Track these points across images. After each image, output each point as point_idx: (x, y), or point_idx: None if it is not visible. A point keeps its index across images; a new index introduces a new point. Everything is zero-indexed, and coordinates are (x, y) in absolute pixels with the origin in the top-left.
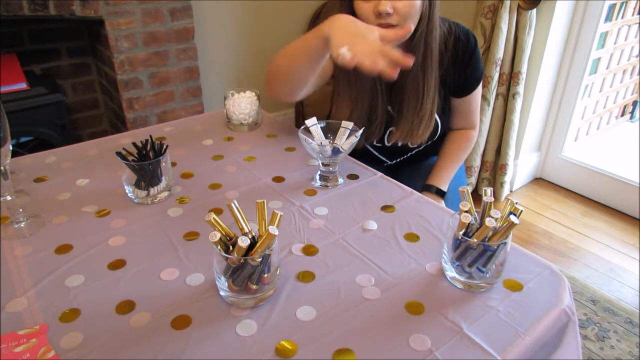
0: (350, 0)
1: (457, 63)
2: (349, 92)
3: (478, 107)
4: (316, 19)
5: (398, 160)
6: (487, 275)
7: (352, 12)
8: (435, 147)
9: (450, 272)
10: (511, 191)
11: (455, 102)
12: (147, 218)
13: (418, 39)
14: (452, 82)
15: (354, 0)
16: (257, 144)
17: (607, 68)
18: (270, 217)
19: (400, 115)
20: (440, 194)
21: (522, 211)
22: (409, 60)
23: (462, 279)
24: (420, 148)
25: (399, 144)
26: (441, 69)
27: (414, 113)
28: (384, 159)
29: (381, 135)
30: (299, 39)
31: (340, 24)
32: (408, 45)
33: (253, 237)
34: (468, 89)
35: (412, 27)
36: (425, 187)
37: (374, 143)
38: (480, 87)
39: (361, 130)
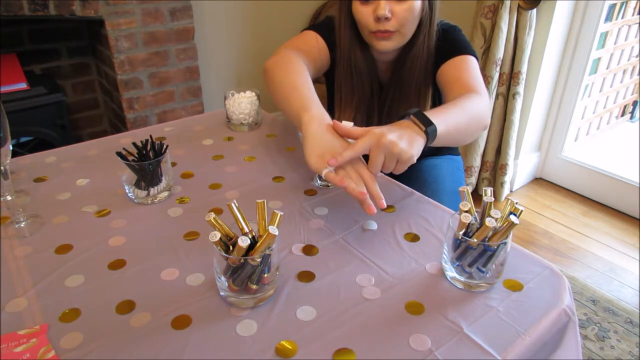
0: (349, 4)
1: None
2: (351, 97)
3: (473, 75)
4: (316, 19)
5: None
6: (487, 275)
7: (351, 16)
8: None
9: (451, 272)
10: (511, 191)
11: (442, 77)
12: (147, 218)
13: (420, 44)
14: (433, 64)
15: (353, 3)
16: (257, 144)
17: (607, 68)
18: (270, 217)
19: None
20: (425, 121)
21: (522, 211)
22: (382, 204)
23: (462, 279)
24: None
25: None
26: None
27: None
28: None
29: None
30: (290, 88)
31: (312, 137)
32: (409, 50)
33: (253, 237)
34: (447, 54)
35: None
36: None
37: None
38: (469, 60)
39: None
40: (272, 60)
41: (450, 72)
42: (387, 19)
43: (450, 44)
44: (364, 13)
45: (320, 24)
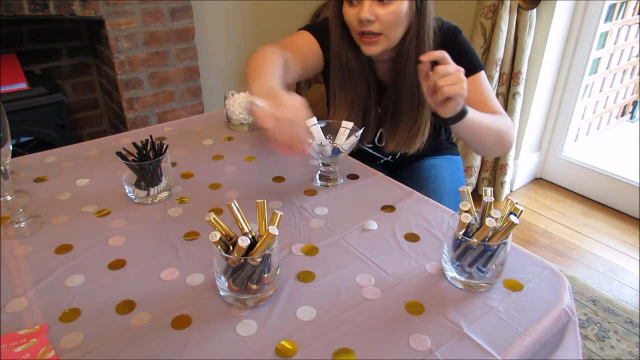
0: (340, 5)
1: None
2: (344, 96)
3: (490, 96)
4: (316, 19)
5: (395, 157)
6: (487, 275)
7: (342, 17)
8: (429, 146)
9: (451, 272)
10: (511, 191)
11: None
12: (147, 218)
13: (408, 46)
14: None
15: (343, 4)
16: (257, 144)
17: (607, 68)
18: (270, 217)
19: (396, 124)
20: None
21: (522, 211)
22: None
23: (462, 279)
24: (407, 153)
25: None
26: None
27: (409, 122)
28: (379, 155)
29: (373, 136)
30: (254, 68)
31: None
32: (399, 53)
33: (253, 237)
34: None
35: (397, 36)
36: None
37: (366, 144)
38: (481, 77)
39: (361, 130)
40: (254, 52)
41: (468, 95)
42: (369, 21)
43: (461, 60)
44: (350, 15)
45: (316, 25)
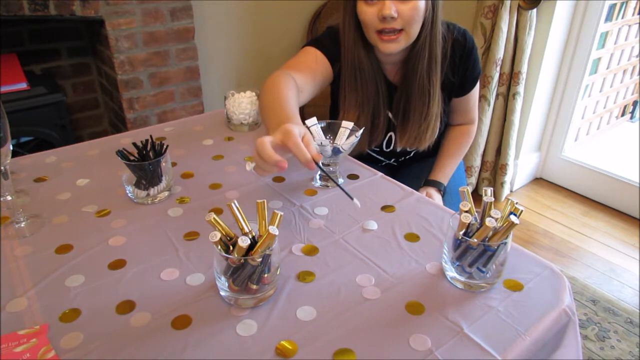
0: (353, 5)
1: (455, 65)
2: (355, 98)
3: (476, 103)
4: (316, 19)
5: (399, 160)
6: (487, 275)
7: (355, 16)
8: (433, 146)
9: (451, 272)
10: (511, 191)
11: (454, 101)
12: (147, 218)
13: (422, 44)
14: (451, 84)
15: (357, 3)
16: None
17: (607, 68)
18: (271, 217)
19: (407, 121)
20: (442, 189)
21: (522, 211)
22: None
23: (462, 279)
24: (419, 149)
25: (398, 149)
26: (442, 73)
27: (420, 118)
28: (382, 159)
29: (382, 140)
30: (268, 112)
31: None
32: (412, 51)
33: (253, 237)
34: (466, 89)
35: (413, 34)
36: (428, 182)
37: (374, 147)
38: (478, 84)
39: (361, 130)
40: (264, 83)
41: (462, 104)
42: (392, 18)
43: (471, 74)
44: (368, 13)
45: (320, 38)
